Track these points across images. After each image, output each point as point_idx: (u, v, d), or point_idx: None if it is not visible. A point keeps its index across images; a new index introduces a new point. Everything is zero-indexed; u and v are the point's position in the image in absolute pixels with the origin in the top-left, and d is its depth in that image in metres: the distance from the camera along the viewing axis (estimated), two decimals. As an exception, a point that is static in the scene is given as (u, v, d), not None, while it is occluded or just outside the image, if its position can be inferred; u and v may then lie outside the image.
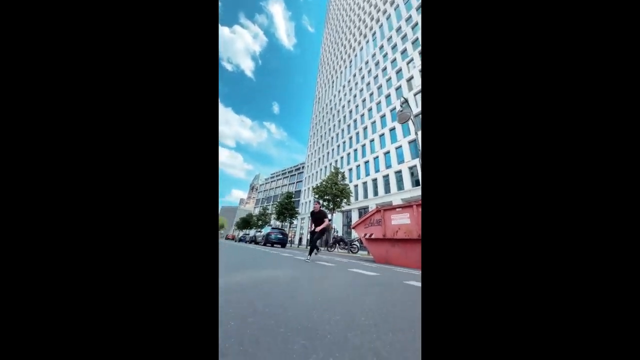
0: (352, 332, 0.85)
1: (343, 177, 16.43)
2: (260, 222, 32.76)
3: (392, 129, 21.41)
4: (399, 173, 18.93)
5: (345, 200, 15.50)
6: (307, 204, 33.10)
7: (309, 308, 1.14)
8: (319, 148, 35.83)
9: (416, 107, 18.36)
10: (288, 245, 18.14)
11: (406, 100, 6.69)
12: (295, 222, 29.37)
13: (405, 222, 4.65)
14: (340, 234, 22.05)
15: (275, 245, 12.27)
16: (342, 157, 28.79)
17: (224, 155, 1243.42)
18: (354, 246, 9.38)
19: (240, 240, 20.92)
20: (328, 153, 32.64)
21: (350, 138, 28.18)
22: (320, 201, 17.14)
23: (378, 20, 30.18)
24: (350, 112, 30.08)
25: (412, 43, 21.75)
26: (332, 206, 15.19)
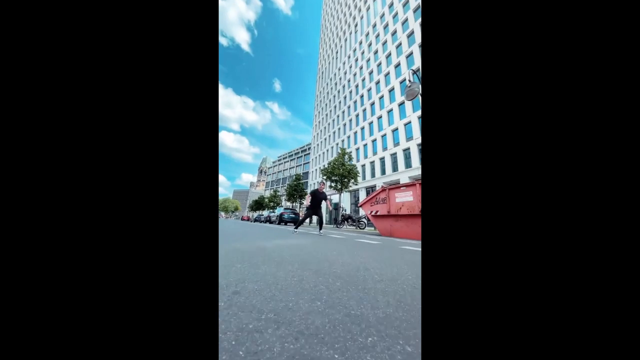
0: (356, 272, 1.38)
1: (350, 158, 16.64)
2: (272, 204, 34.29)
3: (402, 104, 20.50)
4: (407, 150, 18.80)
5: (352, 180, 15.91)
6: (315, 185, 33.81)
7: (321, 259, 1.73)
8: (325, 128, 35.35)
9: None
10: (300, 224, 19.32)
11: (417, 70, 5.21)
12: (304, 202, 30.05)
13: (409, 199, 5.06)
14: (348, 212, 22.92)
15: (288, 223, 13.53)
16: (348, 137, 28.48)
17: (230, 139, 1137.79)
18: (362, 223, 10.02)
19: (255, 220, 22.74)
20: (334, 132, 32.22)
21: (357, 116, 27.47)
22: (327, 183, 17.64)
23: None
24: (357, 86, 28.78)
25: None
26: (340, 187, 15.69)
